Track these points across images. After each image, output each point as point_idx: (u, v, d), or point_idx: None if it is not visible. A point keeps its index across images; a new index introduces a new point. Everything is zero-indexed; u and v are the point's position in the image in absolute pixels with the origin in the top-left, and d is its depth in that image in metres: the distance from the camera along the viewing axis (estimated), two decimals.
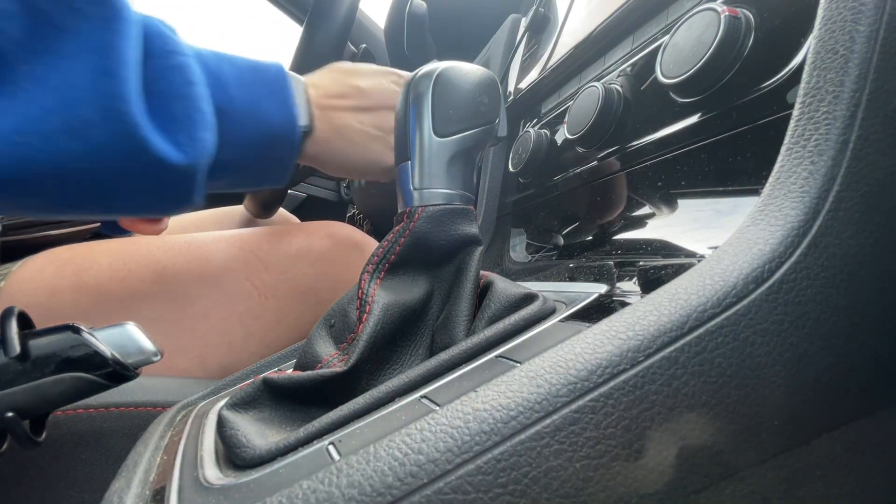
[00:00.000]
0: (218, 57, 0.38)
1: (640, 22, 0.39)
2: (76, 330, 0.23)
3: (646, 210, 0.33)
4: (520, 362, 0.20)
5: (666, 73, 0.30)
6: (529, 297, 0.26)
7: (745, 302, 0.18)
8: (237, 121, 0.37)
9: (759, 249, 0.19)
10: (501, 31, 0.70)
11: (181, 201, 0.36)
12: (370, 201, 0.92)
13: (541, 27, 0.58)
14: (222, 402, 0.27)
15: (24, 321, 0.24)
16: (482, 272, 0.30)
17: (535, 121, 0.54)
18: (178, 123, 0.33)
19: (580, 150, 0.41)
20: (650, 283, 0.26)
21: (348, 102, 0.45)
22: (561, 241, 0.43)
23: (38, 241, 0.56)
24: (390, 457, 0.15)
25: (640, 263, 0.29)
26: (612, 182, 0.37)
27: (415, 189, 0.29)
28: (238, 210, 0.77)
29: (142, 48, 0.31)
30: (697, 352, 0.18)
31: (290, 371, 0.27)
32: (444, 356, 0.23)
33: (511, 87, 0.60)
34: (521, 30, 0.63)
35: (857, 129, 0.20)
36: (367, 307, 0.27)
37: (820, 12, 0.22)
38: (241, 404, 0.24)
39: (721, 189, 0.27)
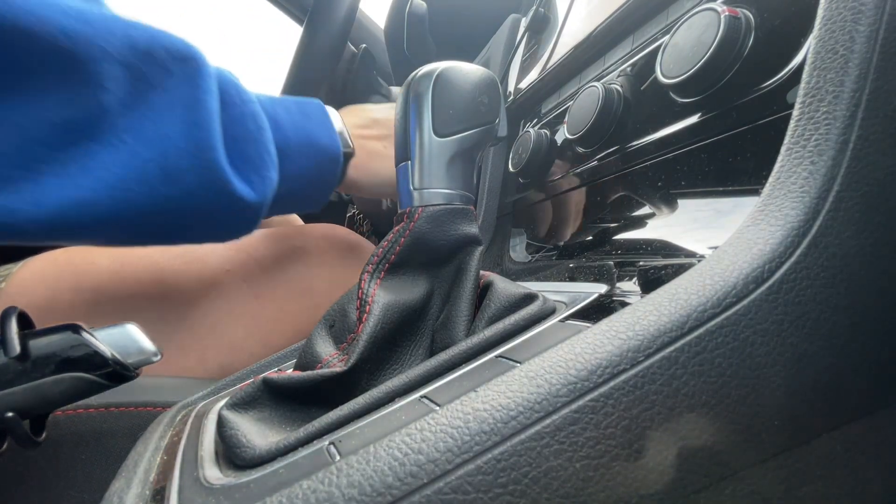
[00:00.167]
0: (271, 101, 0.42)
1: (640, 22, 0.39)
2: (76, 330, 0.23)
3: (646, 210, 0.33)
4: (520, 362, 0.20)
5: (666, 73, 0.30)
6: (529, 297, 0.26)
7: (745, 302, 0.18)
8: (291, 157, 0.41)
9: (759, 249, 0.19)
10: (501, 31, 0.70)
11: (244, 231, 0.40)
12: (370, 201, 0.92)
13: (541, 27, 0.58)
14: (222, 402, 0.27)
15: (25, 321, 0.24)
16: (482, 272, 0.30)
17: (535, 121, 0.54)
18: (252, 164, 0.37)
19: (580, 150, 0.41)
20: (650, 283, 0.26)
21: (372, 132, 0.51)
22: (561, 241, 0.43)
23: None
24: (390, 457, 0.15)
25: (640, 263, 0.29)
26: (611, 182, 0.37)
27: (415, 189, 0.29)
28: None
29: (219, 98, 0.34)
30: (697, 352, 0.18)
31: (290, 371, 0.27)
32: (444, 356, 0.23)
33: (511, 87, 0.60)
34: (521, 30, 0.63)
35: (857, 129, 0.20)
36: (367, 307, 0.27)
37: (820, 12, 0.22)
38: (241, 404, 0.24)
39: (721, 189, 0.27)
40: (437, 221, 0.29)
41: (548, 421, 0.16)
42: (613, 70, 0.41)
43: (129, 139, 0.30)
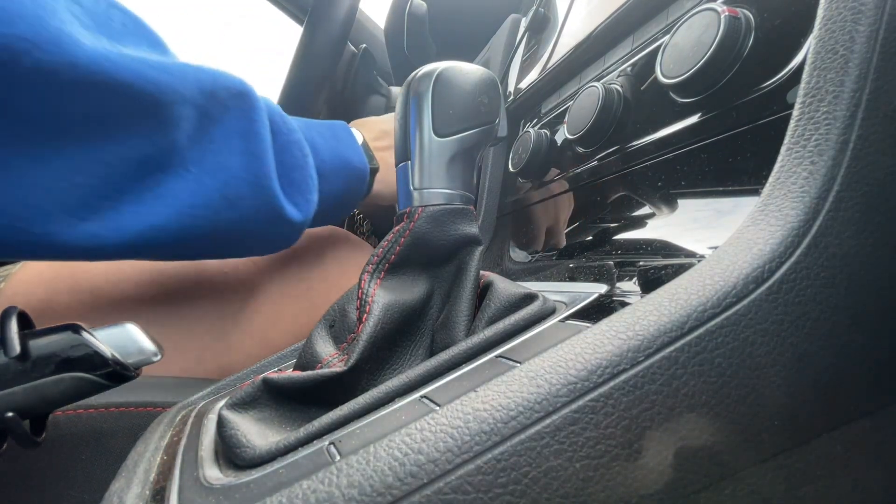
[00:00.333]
0: (306, 125, 0.45)
1: (640, 22, 0.39)
2: (76, 330, 0.23)
3: (646, 210, 0.33)
4: (520, 362, 0.20)
5: (666, 73, 0.30)
6: (529, 297, 0.26)
7: (745, 302, 0.18)
8: (328, 178, 0.45)
9: (759, 249, 0.19)
10: (501, 31, 0.70)
11: (286, 246, 0.43)
12: (370, 202, 0.92)
13: (541, 27, 0.58)
14: (222, 402, 0.27)
15: (25, 321, 0.24)
16: (482, 272, 0.30)
17: (535, 121, 0.54)
18: (298, 188, 0.40)
19: (580, 150, 0.41)
20: (650, 283, 0.26)
21: (385, 143, 0.54)
22: (561, 241, 0.43)
23: None
24: (390, 457, 0.15)
25: (640, 263, 0.29)
26: (611, 182, 0.37)
27: (415, 189, 0.29)
28: None
29: (269, 128, 0.38)
30: (697, 352, 0.18)
31: (290, 371, 0.27)
32: (444, 356, 0.23)
33: (511, 87, 0.60)
34: (521, 30, 0.63)
35: (857, 129, 0.20)
36: (367, 307, 0.27)
37: (820, 12, 0.22)
38: (241, 404, 0.24)
39: (721, 189, 0.27)
40: (437, 221, 0.29)
41: (548, 421, 0.16)
42: (613, 70, 0.41)
43: (194, 169, 0.33)
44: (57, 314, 0.39)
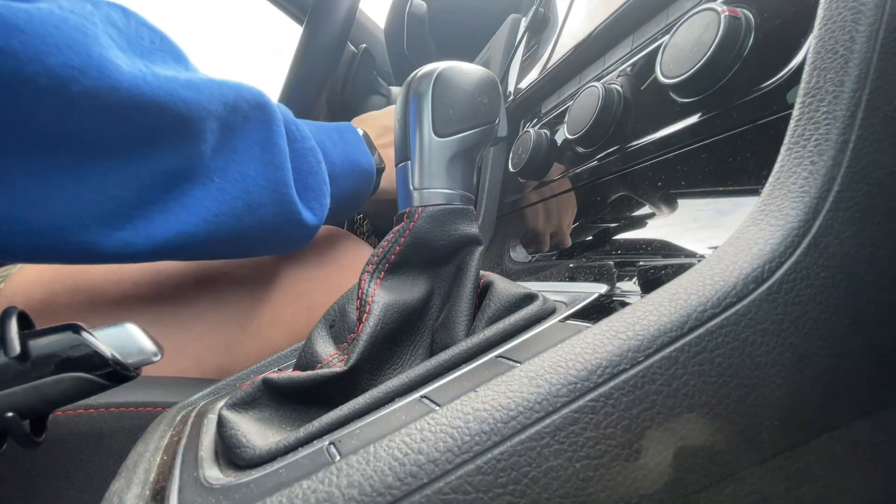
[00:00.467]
0: (316, 129, 0.46)
1: (640, 22, 0.39)
2: (76, 330, 0.23)
3: (646, 210, 0.33)
4: (520, 362, 0.20)
5: (666, 73, 0.30)
6: (529, 297, 0.26)
7: (745, 302, 0.18)
8: (338, 181, 0.47)
9: (759, 249, 0.19)
10: (501, 31, 0.70)
11: (300, 246, 0.45)
12: (369, 202, 0.92)
13: (541, 27, 0.58)
14: (222, 402, 0.27)
15: (25, 321, 0.24)
16: (482, 272, 0.30)
17: (535, 121, 0.54)
18: (313, 193, 0.42)
19: (580, 150, 0.41)
20: (650, 283, 0.26)
21: (388, 139, 0.55)
22: (561, 241, 0.43)
23: None
24: (390, 457, 0.15)
25: (640, 263, 0.29)
26: (611, 182, 0.37)
27: (415, 189, 0.29)
28: None
29: (286, 136, 0.39)
30: (697, 352, 0.18)
31: (290, 371, 0.27)
32: (444, 356, 0.23)
33: (511, 87, 0.60)
34: (521, 30, 0.63)
35: (857, 129, 0.20)
36: (367, 307, 0.27)
37: (820, 12, 0.22)
38: (241, 404, 0.24)
39: (721, 189, 0.27)
40: (437, 221, 0.29)
41: (548, 421, 0.16)
42: (613, 70, 0.41)
43: (217, 179, 0.35)
44: (56, 314, 0.39)
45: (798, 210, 0.19)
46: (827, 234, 0.19)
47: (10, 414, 0.21)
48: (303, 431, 0.20)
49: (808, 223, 0.19)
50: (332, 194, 0.45)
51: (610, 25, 0.41)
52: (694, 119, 0.30)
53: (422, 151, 0.29)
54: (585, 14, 0.47)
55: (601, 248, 0.36)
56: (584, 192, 0.41)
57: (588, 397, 0.16)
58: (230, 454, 0.20)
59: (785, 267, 0.19)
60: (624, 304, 0.22)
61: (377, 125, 0.56)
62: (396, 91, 0.97)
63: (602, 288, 0.27)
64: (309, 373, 0.24)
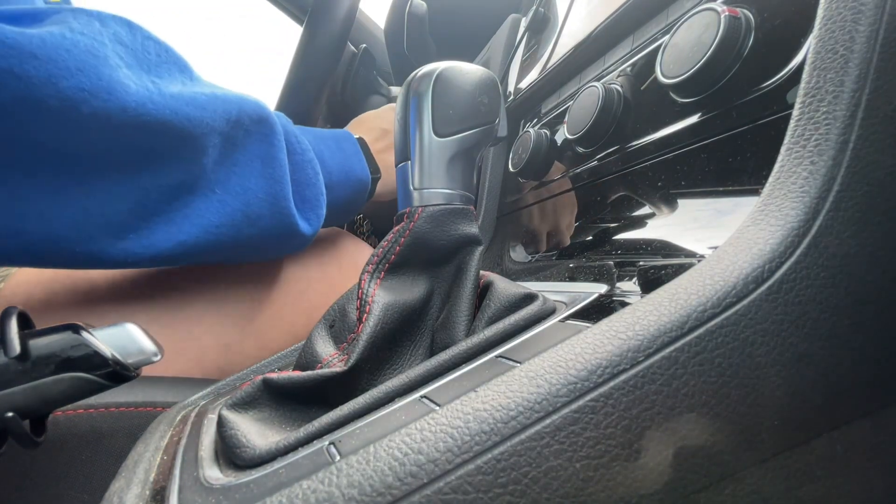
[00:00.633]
0: (314, 138, 0.46)
1: (640, 22, 0.39)
2: (76, 329, 0.23)
3: (646, 210, 0.33)
4: (520, 362, 0.20)
5: (666, 73, 0.30)
6: (529, 297, 0.26)
7: (745, 302, 0.18)
8: (334, 190, 0.48)
9: (759, 249, 0.19)
10: (501, 31, 0.70)
11: (295, 252, 0.47)
12: (369, 202, 0.92)
13: (541, 27, 0.58)
14: (222, 402, 0.27)
15: (25, 321, 0.24)
16: (482, 272, 0.30)
17: (535, 121, 0.54)
18: (309, 204, 0.43)
19: (580, 150, 0.41)
20: (650, 283, 0.26)
21: (384, 143, 0.55)
22: (561, 240, 0.43)
23: None
24: (390, 457, 0.15)
25: (640, 263, 0.29)
26: (611, 182, 0.37)
27: (415, 189, 0.29)
28: None
29: (285, 150, 0.40)
30: (697, 352, 0.18)
31: (290, 371, 0.27)
32: (444, 356, 0.23)
33: (511, 87, 0.60)
34: (521, 30, 0.63)
35: (857, 129, 0.20)
36: (367, 307, 0.27)
37: (820, 12, 0.22)
38: (241, 404, 0.24)
39: (721, 189, 0.27)
40: (437, 221, 0.29)
41: (548, 421, 0.16)
42: (613, 70, 0.41)
43: (219, 191, 0.36)
44: (56, 314, 0.39)
45: (798, 210, 0.19)
46: (827, 234, 0.19)
47: (10, 414, 0.21)
48: (303, 431, 0.20)
49: (808, 223, 0.19)
50: (327, 203, 0.46)
51: (610, 25, 0.41)
52: (694, 119, 0.30)
53: (422, 151, 0.29)
54: (585, 14, 0.47)
55: (601, 248, 0.36)
56: (584, 192, 0.41)
57: (588, 397, 0.16)
58: (230, 454, 0.20)
59: (785, 267, 0.19)
60: (624, 304, 0.22)
61: (374, 128, 0.56)
62: (396, 91, 0.97)
63: (602, 288, 0.27)
64: (309, 373, 0.24)
